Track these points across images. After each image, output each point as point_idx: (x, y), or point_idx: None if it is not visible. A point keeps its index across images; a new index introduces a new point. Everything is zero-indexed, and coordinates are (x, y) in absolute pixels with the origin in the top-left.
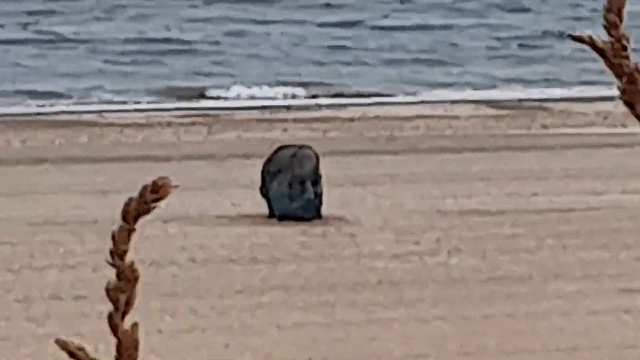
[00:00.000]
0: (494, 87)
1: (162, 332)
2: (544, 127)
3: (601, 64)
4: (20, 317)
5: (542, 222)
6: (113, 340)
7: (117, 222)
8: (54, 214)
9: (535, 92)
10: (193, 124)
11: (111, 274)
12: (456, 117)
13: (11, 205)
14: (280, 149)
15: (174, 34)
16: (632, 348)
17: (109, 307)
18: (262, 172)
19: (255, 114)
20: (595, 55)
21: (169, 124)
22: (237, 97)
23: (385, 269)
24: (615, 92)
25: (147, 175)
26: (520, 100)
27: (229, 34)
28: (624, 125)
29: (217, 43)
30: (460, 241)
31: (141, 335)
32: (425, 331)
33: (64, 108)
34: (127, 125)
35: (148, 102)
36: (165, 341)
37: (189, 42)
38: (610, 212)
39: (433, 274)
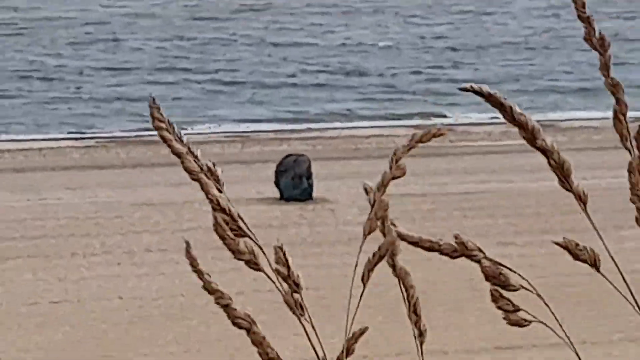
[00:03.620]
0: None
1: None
2: (451, 141)
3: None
4: (128, 262)
5: (451, 201)
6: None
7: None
8: (146, 198)
9: (447, 119)
10: (234, 141)
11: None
12: (396, 136)
13: (119, 193)
14: (286, 156)
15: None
16: None
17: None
18: (276, 171)
19: (271, 135)
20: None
21: (220, 140)
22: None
23: (353, 231)
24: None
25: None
26: (435, 124)
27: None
28: (501, 140)
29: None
30: (399, 213)
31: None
32: (379, 271)
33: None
34: (205, 143)
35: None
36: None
37: None
38: (493, 195)
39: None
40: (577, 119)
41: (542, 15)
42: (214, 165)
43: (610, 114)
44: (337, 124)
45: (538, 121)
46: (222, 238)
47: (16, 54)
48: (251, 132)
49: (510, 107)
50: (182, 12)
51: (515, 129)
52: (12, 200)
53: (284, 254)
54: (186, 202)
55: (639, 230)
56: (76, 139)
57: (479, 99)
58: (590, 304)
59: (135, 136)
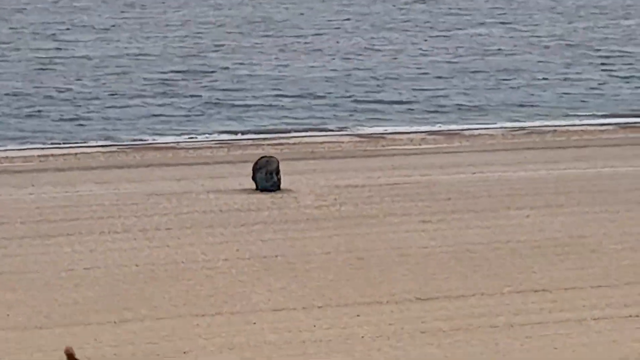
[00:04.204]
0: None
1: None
2: (382, 145)
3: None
4: (142, 238)
5: (383, 190)
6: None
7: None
8: (156, 189)
9: (379, 130)
10: (222, 147)
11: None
12: (342, 142)
13: (135, 186)
14: (261, 158)
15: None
16: (425, 248)
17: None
18: (253, 168)
19: (249, 142)
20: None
21: (211, 146)
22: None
23: (311, 213)
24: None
25: (204, 170)
26: (371, 134)
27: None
28: (420, 145)
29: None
30: (345, 199)
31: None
32: (331, 242)
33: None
34: (199, 148)
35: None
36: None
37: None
38: (414, 185)
39: (332, 214)
40: (475, 129)
41: (445, 52)
42: None
43: (499, 125)
44: (298, 134)
45: (448, 131)
46: None
47: (51, 82)
48: (234, 140)
49: None
50: (175, 51)
51: (434, 136)
52: (54, 192)
53: None
54: (185, 192)
55: (522, 211)
56: (102, 145)
57: (403, 114)
58: (487, 265)
59: (147, 143)
